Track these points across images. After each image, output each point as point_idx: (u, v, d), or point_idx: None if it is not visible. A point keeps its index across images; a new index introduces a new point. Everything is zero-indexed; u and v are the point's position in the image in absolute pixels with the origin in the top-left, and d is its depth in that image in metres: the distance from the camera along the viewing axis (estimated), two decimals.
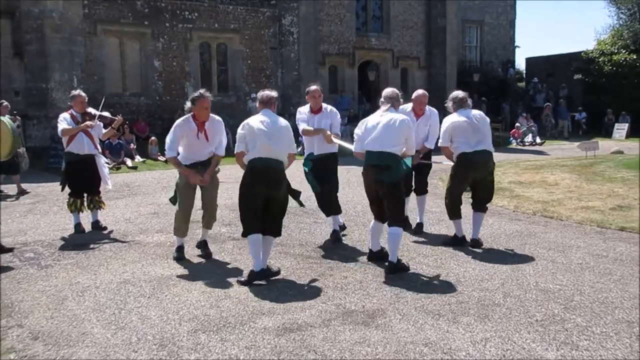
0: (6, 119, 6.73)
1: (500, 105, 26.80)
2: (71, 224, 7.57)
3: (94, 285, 5.26)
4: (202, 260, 6.14)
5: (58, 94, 15.60)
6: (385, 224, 5.65)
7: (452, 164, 6.63)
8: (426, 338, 4.01)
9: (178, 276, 5.52)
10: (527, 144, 22.91)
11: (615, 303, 4.65)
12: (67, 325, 4.31)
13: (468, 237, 6.59)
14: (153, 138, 17.05)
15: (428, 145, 7.20)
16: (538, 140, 23.14)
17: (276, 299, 4.84)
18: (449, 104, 6.61)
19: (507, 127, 25.11)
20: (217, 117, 6.06)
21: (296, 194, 5.72)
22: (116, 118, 7.71)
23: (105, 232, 7.52)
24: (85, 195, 7.56)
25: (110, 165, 13.66)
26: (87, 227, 7.59)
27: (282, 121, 5.55)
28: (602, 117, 26.28)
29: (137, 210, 9.10)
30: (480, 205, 6.64)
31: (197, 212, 6.46)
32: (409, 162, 5.84)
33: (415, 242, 6.81)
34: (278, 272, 5.44)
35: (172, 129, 5.95)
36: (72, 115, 7.41)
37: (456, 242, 6.57)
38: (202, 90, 5.88)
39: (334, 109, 6.74)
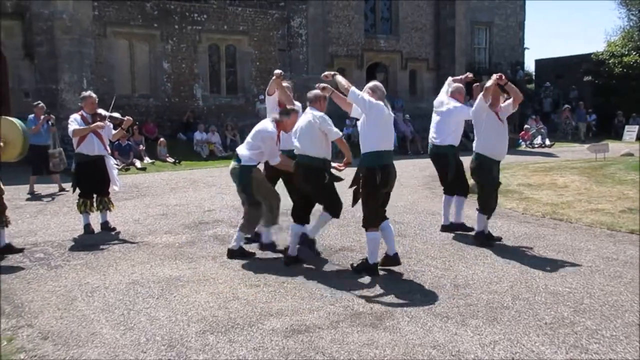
0: (17, 120, 6.78)
1: None
2: (81, 225, 7.62)
3: (103, 285, 5.29)
4: (210, 261, 6.15)
5: (68, 95, 15.67)
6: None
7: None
8: (434, 340, 4.00)
9: (186, 277, 5.54)
10: (536, 146, 22.80)
11: (625, 306, 4.62)
12: (77, 325, 4.34)
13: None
14: (162, 139, 17.12)
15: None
16: (547, 142, 23.03)
17: (284, 300, 4.85)
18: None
19: (516, 129, 24.99)
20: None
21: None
22: (126, 119, 7.75)
23: (114, 233, 7.56)
24: (94, 196, 7.61)
25: (120, 167, 13.73)
26: (97, 228, 7.63)
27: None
28: (612, 119, 26.09)
29: (146, 211, 9.14)
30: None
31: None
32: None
33: (423, 244, 6.80)
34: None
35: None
36: (82, 116, 7.46)
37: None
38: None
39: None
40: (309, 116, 5.83)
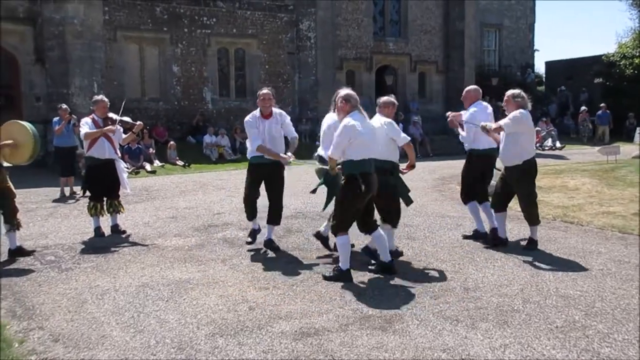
0: (28, 124, 6.84)
1: None
2: (91, 228, 7.66)
3: (113, 288, 5.32)
4: (220, 264, 6.16)
5: (79, 100, 15.78)
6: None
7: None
8: (444, 344, 3.98)
9: (196, 280, 5.55)
10: (546, 148, 22.68)
11: (637, 310, 4.58)
12: (87, 328, 4.36)
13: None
14: (172, 142, 17.20)
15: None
16: (558, 144, 22.91)
17: (293, 303, 4.85)
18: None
19: None
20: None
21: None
22: (137, 123, 7.81)
23: (125, 235, 7.59)
24: (105, 199, 7.65)
25: (130, 170, 13.80)
26: (107, 230, 7.67)
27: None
28: (623, 121, 25.89)
29: (156, 214, 9.18)
30: None
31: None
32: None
33: (433, 247, 6.77)
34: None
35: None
36: (93, 120, 7.52)
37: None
38: None
39: (284, 113, 6.77)
40: (378, 121, 5.95)
